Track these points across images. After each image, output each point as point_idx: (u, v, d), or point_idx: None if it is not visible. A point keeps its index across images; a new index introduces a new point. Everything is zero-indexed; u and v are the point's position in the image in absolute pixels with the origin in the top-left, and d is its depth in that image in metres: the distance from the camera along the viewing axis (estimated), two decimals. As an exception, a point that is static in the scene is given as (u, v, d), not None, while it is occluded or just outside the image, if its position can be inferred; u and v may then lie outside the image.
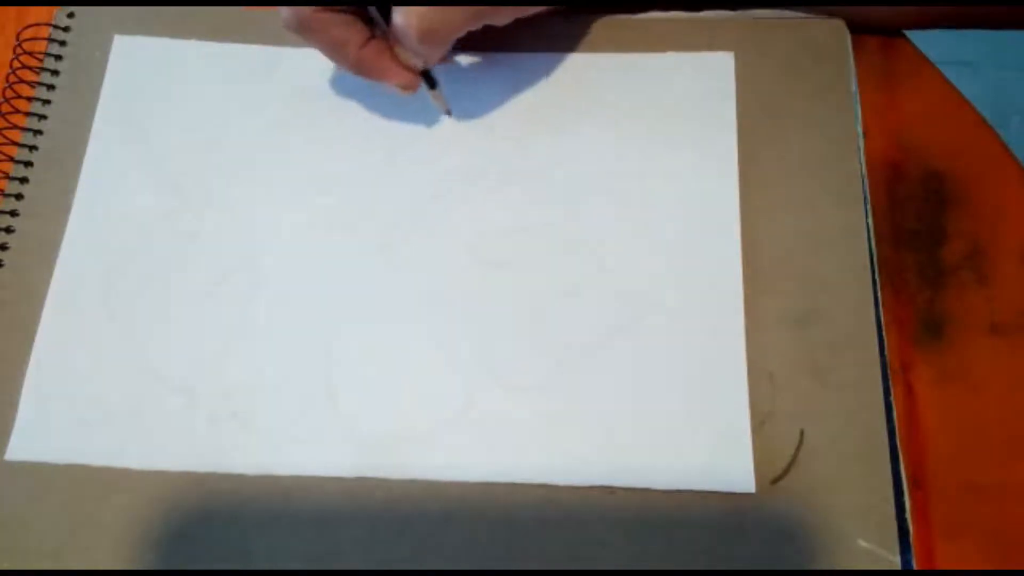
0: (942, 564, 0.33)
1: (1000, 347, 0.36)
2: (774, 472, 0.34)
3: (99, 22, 0.43)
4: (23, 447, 0.35)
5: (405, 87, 0.38)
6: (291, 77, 0.42)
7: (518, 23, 0.40)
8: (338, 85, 0.41)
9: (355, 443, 0.35)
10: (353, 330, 0.37)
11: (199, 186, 0.40)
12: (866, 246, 0.37)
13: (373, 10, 0.36)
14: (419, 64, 0.37)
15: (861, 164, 0.39)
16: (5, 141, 0.40)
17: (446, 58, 0.40)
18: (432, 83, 0.39)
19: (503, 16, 0.37)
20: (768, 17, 0.41)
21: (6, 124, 0.41)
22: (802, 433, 0.35)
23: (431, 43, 0.35)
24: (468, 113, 0.41)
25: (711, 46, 0.41)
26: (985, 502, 0.34)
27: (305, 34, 0.36)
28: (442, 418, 0.35)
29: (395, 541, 0.34)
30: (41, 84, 0.42)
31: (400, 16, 0.35)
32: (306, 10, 0.35)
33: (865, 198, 0.38)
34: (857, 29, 0.41)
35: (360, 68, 0.37)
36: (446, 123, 0.41)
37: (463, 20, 0.36)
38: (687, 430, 0.35)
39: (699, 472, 0.34)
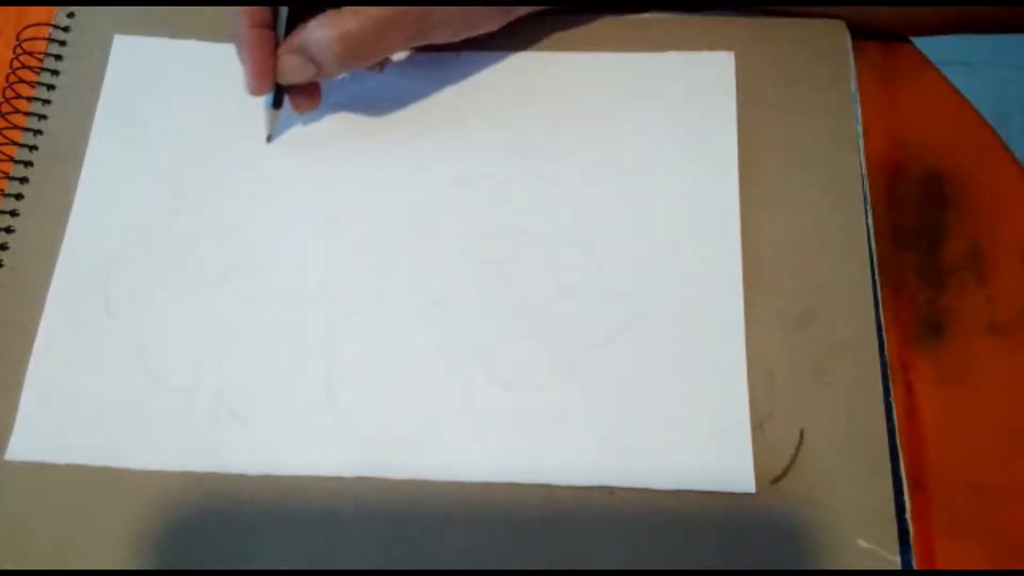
0: (942, 564, 0.33)
1: (1000, 347, 0.36)
2: (774, 472, 0.34)
3: (99, 22, 0.43)
4: (23, 447, 0.35)
5: (253, 90, 0.37)
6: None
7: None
8: (336, 86, 0.41)
9: (355, 443, 0.35)
10: (353, 330, 0.37)
11: (199, 186, 0.40)
12: (866, 246, 0.37)
13: (283, 11, 0.36)
14: (300, 78, 0.37)
15: (861, 164, 0.39)
16: (5, 141, 0.40)
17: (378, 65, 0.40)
18: (279, 102, 0.39)
19: (440, 37, 0.37)
20: (768, 17, 0.41)
21: (6, 124, 0.41)
22: (802, 433, 0.34)
23: (349, 62, 0.36)
24: (466, 112, 0.41)
25: (711, 46, 0.41)
26: (985, 502, 0.34)
27: None
28: (442, 418, 0.35)
29: (395, 541, 0.34)
30: (41, 84, 0.42)
31: (320, 30, 0.35)
32: None
33: (865, 198, 0.38)
34: (859, 34, 0.41)
35: (237, 44, 0.37)
36: (445, 124, 0.41)
37: (385, 45, 0.35)
38: (687, 430, 0.35)
39: (699, 472, 0.34)
